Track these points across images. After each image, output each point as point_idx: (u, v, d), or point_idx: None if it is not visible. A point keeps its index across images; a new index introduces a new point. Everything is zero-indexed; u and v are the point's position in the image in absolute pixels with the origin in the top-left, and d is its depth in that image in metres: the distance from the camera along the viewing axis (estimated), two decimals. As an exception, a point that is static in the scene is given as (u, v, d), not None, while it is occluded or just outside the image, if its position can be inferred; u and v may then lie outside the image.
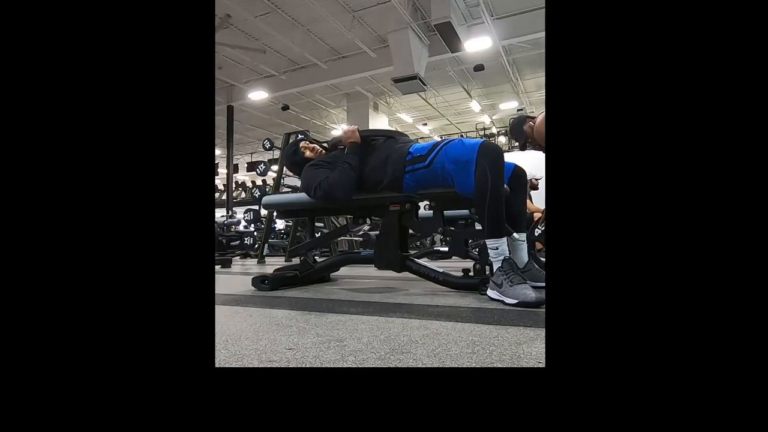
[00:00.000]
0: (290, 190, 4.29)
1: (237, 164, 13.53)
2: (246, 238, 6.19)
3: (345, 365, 0.64)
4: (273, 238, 6.23)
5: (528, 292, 1.16)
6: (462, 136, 6.60)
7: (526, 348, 0.71)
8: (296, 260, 2.63)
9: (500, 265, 1.27)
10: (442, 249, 2.97)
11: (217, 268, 3.78)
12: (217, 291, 1.74)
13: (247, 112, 11.91)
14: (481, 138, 6.74)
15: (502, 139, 11.94)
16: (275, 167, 6.40)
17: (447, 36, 7.00)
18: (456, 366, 0.63)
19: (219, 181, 16.25)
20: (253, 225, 6.52)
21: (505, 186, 1.48)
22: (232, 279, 2.49)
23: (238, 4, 6.94)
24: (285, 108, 10.73)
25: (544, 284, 1.51)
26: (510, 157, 1.52)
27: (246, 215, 6.57)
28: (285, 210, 1.98)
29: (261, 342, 0.80)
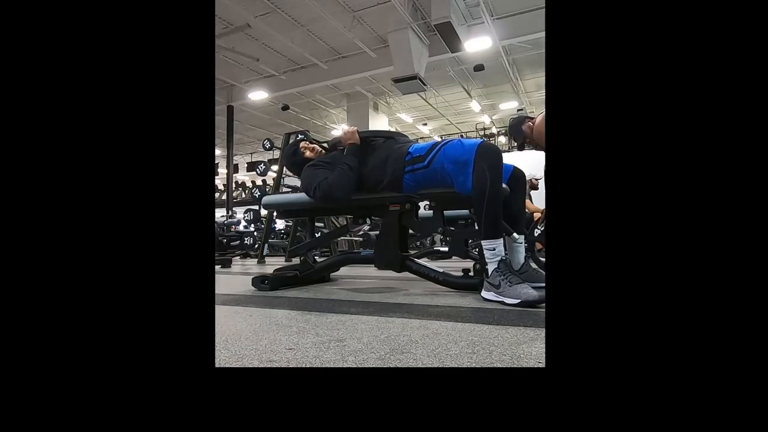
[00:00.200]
0: (290, 190, 4.29)
1: (237, 164, 13.53)
2: (246, 238, 6.19)
3: (345, 365, 0.64)
4: (273, 238, 6.23)
5: (529, 291, 1.16)
6: (462, 136, 6.61)
7: (526, 348, 0.71)
8: (296, 260, 2.63)
9: (496, 266, 1.27)
10: (442, 249, 2.97)
11: (217, 268, 3.78)
12: (217, 291, 1.74)
13: (247, 112, 11.91)
14: (481, 138, 6.75)
15: (502, 139, 11.95)
16: (275, 167, 6.41)
17: (447, 36, 7.00)
18: (456, 366, 0.63)
19: (219, 181, 16.25)
20: (253, 225, 6.52)
21: (505, 186, 1.48)
22: (232, 279, 2.49)
23: (238, 4, 6.94)
24: (285, 108, 10.72)
25: (541, 285, 1.51)
26: (509, 158, 1.52)
27: (246, 215, 6.57)
28: (285, 210, 1.98)
29: (261, 342, 0.80)
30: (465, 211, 2.20)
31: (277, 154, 8.72)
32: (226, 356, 0.71)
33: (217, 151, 13.65)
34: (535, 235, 2.11)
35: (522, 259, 1.64)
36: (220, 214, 8.14)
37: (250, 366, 0.65)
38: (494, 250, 1.29)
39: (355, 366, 0.64)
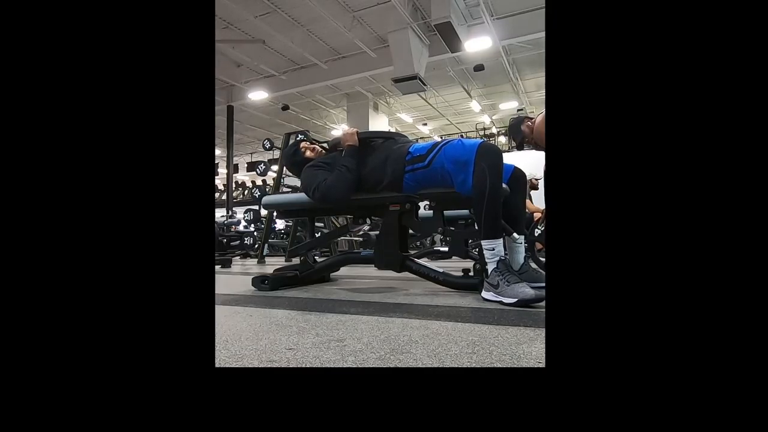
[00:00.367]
0: (290, 190, 4.29)
1: (237, 164, 13.53)
2: (246, 238, 6.19)
3: (345, 365, 0.64)
4: (273, 238, 6.23)
5: (526, 290, 1.16)
6: (462, 136, 6.62)
7: (526, 348, 0.71)
8: (296, 260, 2.63)
9: (495, 266, 1.27)
10: (442, 249, 2.97)
11: (217, 268, 3.78)
12: (217, 291, 1.74)
13: (247, 112, 11.91)
14: (481, 138, 6.75)
15: (502, 139, 11.94)
16: (275, 167, 6.41)
17: (447, 36, 7.00)
18: (456, 366, 0.63)
19: (219, 181, 16.25)
20: (253, 225, 6.52)
21: (505, 186, 1.48)
22: (232, 279, 2.49)
23: (238, 4, 6.94)
24: (285, 108, 10.73)
25: (541, 285, 1.51)
26: (510, 158, 1.52)
27: (246, 215, 6.57)
28: (285, 210, 1.98)
29: (261, 342, 0.80)
30: (465, 211, 2.20)
31: (277, 154, 8.73)
32: (226, 356, 0.71)
33: (217, 151, 13.65)
34: (536, 234, 2.11)
35: (522, 259, 1.64)
36: (220, 214, 8.13)
37: (250, 366, 0.65)
38: (494, 250, 1.29)
39: (355, 366, 0.64)
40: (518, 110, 12.14)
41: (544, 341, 0.75)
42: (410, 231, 1.83)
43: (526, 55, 9.10)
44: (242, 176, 15.16)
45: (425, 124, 14.36)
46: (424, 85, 7.96)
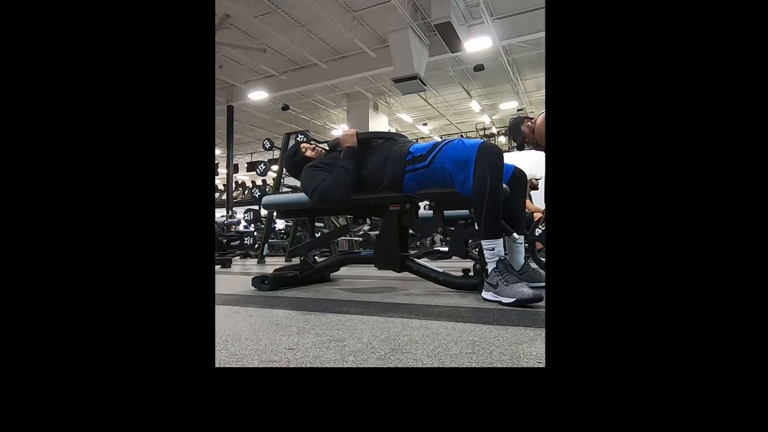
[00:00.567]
0: (290, 190, 4.29)
1: (237, 164, 13.53)
2: (246, 238, 6.19)
3: (345, 365, 0.64)
4: (273, 238, 6.23)
5: (524, 290, 1.16)
6: (462, 136, 6.61)
7: (526, 348, 0.71)
8: (296, 260, 2.63)
9: (495, 266, 1.27)
10: (442, 249, 2.97)
11: (217, 268, 3.78)
12: (217, 291, 1.74)
13: (247, 112, 11.91)
14: (481, 138, 6.75)
15: (502, 139, 11.94)
16: (275, 167, 6.41)
17: (447, 36, 7.00)
18: (456, 366, 0.63)
19: (219, 181, 16.25)
20: (253, 225, 6.52)
21: (505, 186, 1.48)
22: (232, 279, 2.49)
23: (238, 4, 6.94)
24: (285, 108, 10.72)
25: (541, 285, 1.51)
26: (510, 158, 1.52)
27: (246, 215, 6.57)
28: (285, 210, 1.98)
29: (261, 342, 0.80)
30: (465, 211, 2.20)
31: (277, 154, 8.73)
32: (226, 356, 0.71)
33: (217, 151, 13.65)
34: (536, 234, 2.11)
35: (522, 260, 1.64)
36: (220, 214, 8.13)
37: (250, 366, 0.65)
38: (493, 250, 1.29)
39: (355, 366, 0.64)
40: (518, 110, 12.15)
41: (544, 341, 0.75)
42: (410, 231, 1.83)
43: (526, 55, 9.10)
44: (242, 176, 15.16)
45: (425, 124, 14.36)
46: (424, 85, 7.96)
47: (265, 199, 1.99)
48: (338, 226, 4.30)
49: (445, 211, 1.64)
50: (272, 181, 6.47)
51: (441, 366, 0.63)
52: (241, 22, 7.66)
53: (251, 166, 11.77)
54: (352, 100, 11.74)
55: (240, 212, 7.40)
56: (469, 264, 1.66)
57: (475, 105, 11.92)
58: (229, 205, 10.24)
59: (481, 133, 12.40)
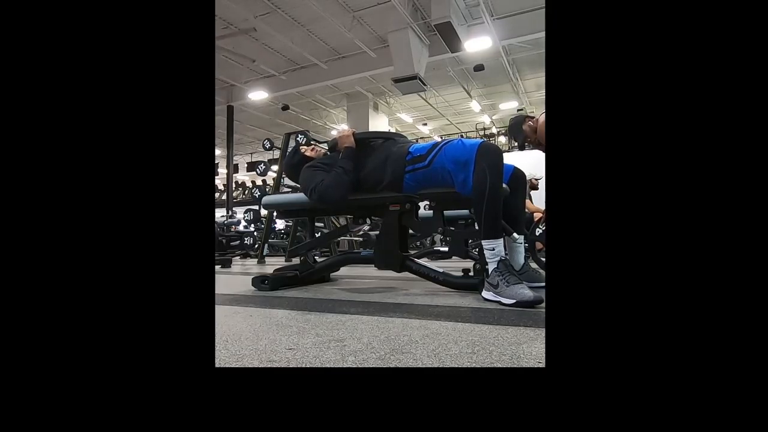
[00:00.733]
0: (290, 190, 4.29)
1: (237, 164, 13.53)
2: (246, 238, 6.19)
3: (345, 365, 0.64)
4: (273, 238, 6.23)
5: (525, 291, 1.16)
6: (462, 136, 6.62)
7: (526, 348, 0.71)
8: (296, 260, 2.63)
9: (495, 266, 1.27)
10: (442, 249, 2.97)
11: (217, 268, 3.78)
12: (217, 291, 1.74)
13: (247, 112, 11.91)
14: (481, 138, 6.75)
15: (502, 139, 11.94)
16: (275, 167, 6.41)
17: (447, 36, 7.00)
18: (456, 366, 0.63)
19: (219, 181, 16.25)
20: (253, 225, 6.52)
21: (505, 186, 1.48)
22: (232, 279, 2.49)
23: (238, 4, 6.94)
24: (285, 108, 10.73)
25: (541, 285, 1.51)
26: (510, 158, 1.52)
27: (246, 215, 6.57)
28: (285, 210, 1.97)
29: (261, 342, 0.80)
30: (465, 211, 2.20)
31: (277, 154, 8.73)
32: (226, 356, 0.71)
33: (217, 151, 13.65)
34: (537, 234, 2.10)
35: (522, 260, 1.64)
36: (220, 214, 8.13)
37: (250, 366, 0.65)
38: (494, 250, 1.29)
39: (355, 366, 0.64)
40: (518, 110, 12.15)
41: (544, 341, 0.75)
42: (410, 231, 1.83)
43: (526, 55, 9.10)
44: (242, 176, 15.16)
45: (425, 124, 14.36)
46: (424, 85, 7.96)
47: (265, 199, 1.99)
48: (338, 226, 4.30)
49: (445, 211, 1.64)
50: (272, 181, 6.46)
51: (441, 366, 0.63)
52: (242, 22, 7.65)
53: (251, 166, 11.76)
54: (352, 100, 11.75)
55: (240, 212, 7.40)
56: (469, 264, 1.67)
57: (475, 105, 11.92)
58: (229, 205, 10.24)
59: (481, 133, 12.40)
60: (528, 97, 11.93)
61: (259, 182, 11.86)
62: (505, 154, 1.42)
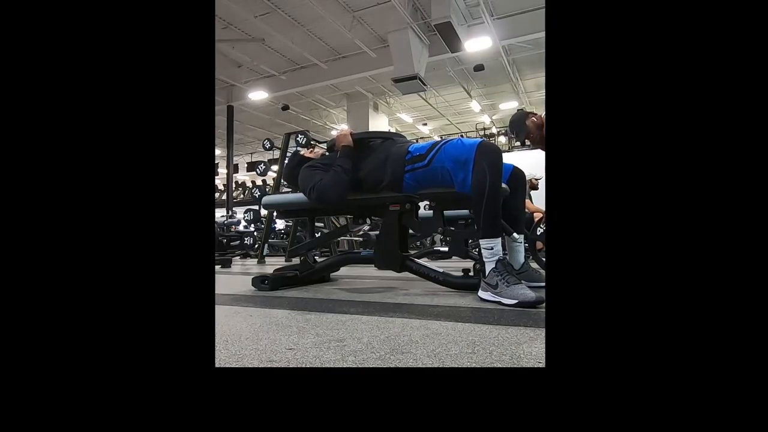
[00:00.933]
0: (290, 190, 4.29)
1: (237, 164, 13.53)
2: (246, 238, 6.19)
3: (345, 365, 0.64)
4: (273, 238, 6.23)
5: (526, 292, 1.16)
6: (462, 136, 6.61)
7: (526, 348, 0.71)
8: (296, 260, 2.63)
9: (494, 266, 1.26)
10: (442, 249, 2.97)
11: (217, 268, 3.78)
12: (217, 291, 1.74)
13: (247, 112, 11.91)
14: (481, 138, 6.75)
15: (502, 139, 11.94)
16: (275, 167, 6.41)
17: (447, 36, 7.00)
18: (456, 366, 0.63)
19: (219, 181, 16.25)
20: (253, 225, 6.52)
21: (505, 186, 1.48)
22: (232, 279, 2.49)
23: (238, 4, 6.94)
24: (285, 108, 10.73)
25: (540, 284, 1.51)
26: (510, 158, 1.52)
27: (246, 215, 6.57)
28: (285, 210, 1.97)
29: (261, 342, 0.80)
30: (465, 211, 2.20)
31: (277, 154, 8.74)
32: (226, 356, 0.71)
33: (217, 151, 13.65)
34: (538, 234, 2.09)
35: (522, 259, 1.64)
36: (220, 214, 8.13)
37: (250, 366, 0.65)
38: (492, 249, 1.28)
39: (355, 366, 0.64)
40: (518, 110, 12.13)
41: (544, 341, 0.75)
42: (410, 231, 1.83)
43: (526, 55, 9.10)
44: (242, 176, 15.16)
45: (425, 124, 14.37)
46: (424, 85, 7.96)
47: (265, 199, 1.99)
48: (338, 226, 4.30)
49: (445, 211, 1.64)
50: (272, 181, 6.46)
51: (441, 366, 0.63)
52: (242, 22, 7.66)
53: (251, 166, 11.76)
54: (352, 100, 11.75)
55: (240, 212, 7.40)
56: (469, 264, 1.67)
57: (475, 105, 11.92)
58: (229, 205, 10.24)
59: (481, 133, 12.40)
60: (528, 97, 11.93)
61: (259, 182, 11.86)
62: (505, 154, 1.42)
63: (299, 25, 7.91)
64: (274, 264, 3.66)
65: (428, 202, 1.66)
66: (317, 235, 2.30)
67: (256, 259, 4.67)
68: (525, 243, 1.72)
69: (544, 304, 1.14)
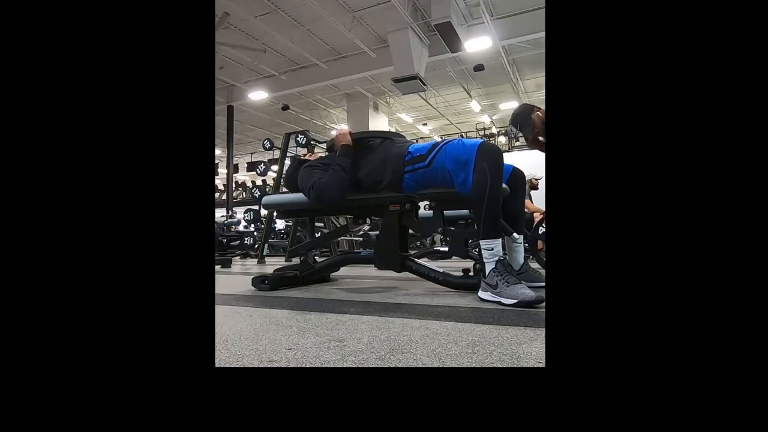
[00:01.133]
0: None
1: (237, 164, 13.53)
2: (246, 238, 6.19)
3: (345, 365, 0.64)
4: (273, 238, 6.23)
5: (526, 291, 1.16)
6: (462, 136, 6.62)
7: (526, 348, 0.71)
8: (296, 260, 2.63)
9: (494, 266, 1.26)
10: (442, 249, 2.97)
11: (217, 268, 3.78)
12: (217, 291, 1.74)
13: (247, 112, 11.91)
14: (481, 138, 6.75)
15: (502, 139, 11.94)
16: (275, 167, 6.41)
17: (447, 36, 7.00)
18: (456, 366, 0.63)
19: (219, 181, 16.25)
20: (253, 225, 6.52)
21: (505, 186, 1.48)
22: (232, 279, 2.49)
23: (238, 4, 6.95)
24: (285, 108, 10.73)
25: (540, 285, 1.51)
26: (510, 158, 1.51)
27: (246, 215, 6.57)
28: (285, 210, 1.97)
29: (261, 342, 0.80)
30: (465, 211, 2.20)
31: (277, 154, 8.74)
32: (226, 356, 0.71)
33: (217, 151, 13.66)
34: (540, 233, 2.08)
35: (522, 259, 1.64)
36: (220, 214, 8.13)
37: (250, 366, 0.65)
38: (492, 249, 1.28)
39: (355, 366, 0.64)
40: (523, 103, 12.11)
41: (544, 341, 0.75)
42: (410, 231, 1.83)
43: (526, 55, 9.10)
44: (242, 176, 15.17)
45: (425, 124, 14.37)
46: (424, 85, 7.96)
47: (265, 199, 1.99)
48: (338, 226, 4.30)
49: (445, 211, 1.64)
50: (272, 181, 6.45)
51: (441, 366, 0.63)
52: (241, 22, 7.66)
53: (251, 166, 11.76)
54: (352, 100, 11.75)
55: (240, 212, 7.40)
56: (469, 264, 1.67)
57: (475, 105, 11.92)
58: (229, 205, 10.25)
59: (481, 133, 12.40)
60: (528, 97, 11.92)
61: (259, 182, 11.86)
62: (505, 154, 1.42)
63: (299, 25, 7.91)
64: (274, 264, 3.66)
65: (428, 202, 1.66)
66: (317, 235, 2.30)
67: (256, 259, 4.67)
68: (525, 243, 1.72)
69: (543, 304, 1.14)
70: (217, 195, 14.06)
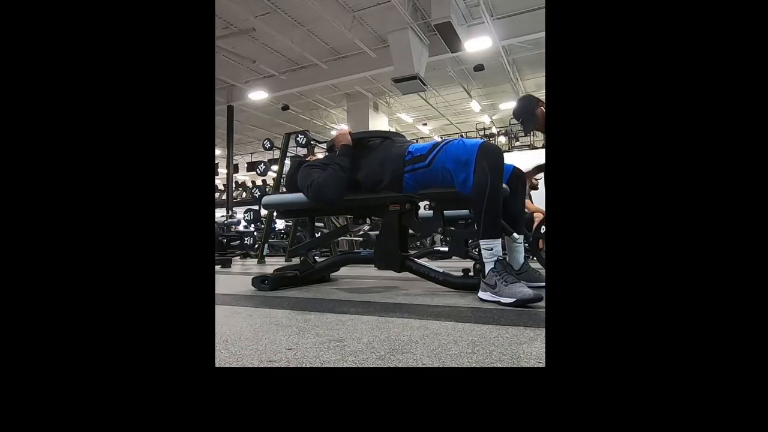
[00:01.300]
0: (290, 190, 4.28)
1: (237, 164, 13.53)
2: (246, 238, 6.19)
3: (345, 365, 0.64)
4: (273, 238, 6.23)
5: (524, 290, 1.16)
6: (462, 136, 6.62)
7: (526, 348, 0.71)
8: (296, 260, 2.63)
9: (493, 266, 1.26)
10: (442, 249, 2.97)
11: (217, 268, 3.78)
12: (217, 291, 1.74)
13: (247, 112, 11.91)
14: (481, 138, 6.75)
15: (502, 139, 11.94)
16: (275, 167, 6.41)
17: (447, 36, 7.00)
18: (456, 366, 0.63)
19: (219, 181, 16.25)
20: (253, 225, 6.52)
21: (505, 186, 1.48)
22: (232, 279, 2.49)
23: (238, 4, 6.94)
24: (285, 108, 10.73)
25: (540, 285, 1.51)
26: (510, 158, 1.51)
27: (246, 215, 6.57)
28: (285, 210, 1.97)
29: (261, 342, 0.80)
30: (465, 211, 2.20)
31: (277, 154, 8.74)
32: (226, 356, 0.71)
33: (217, 151, 13.65)
34: (541, 232, 2.08)
35: (522, 259, 1.64)
36: (220, 214, 8.13)
37: (250, 366, 0.65)
38: (492, 249, 1.28)
39: (355, 366, 0.64)
40: (526, 94, 12.11)
41: (544, 341, 0.75)
42: (410, 231, 1.83)
43: (526, 55, 9.10)
44: (242, 176, 15.16)
45: (425, 124, 14.36)
46: (424, 85, 7.95)
47: (265, 199, 1.99)
48: (338, 226, 4.30)
49: (445, 211, 1.65)
50: (272, 181, 6.45)
51: (441, 366, 0.63)
52: (242, 22, 7.65)
53: (251, 166, 11.76)
54: (352, 100, 11.74)
55: (240, 212, 7.40)
56: (469, 264, 1.67)
57: (475, 105, 11.92)
58: (229, 205, 10.24)
59: (481, 133, 12.40)
60: (528, 97, 11.91)
61: (259, 182, 11.86)
62: (505, 154, 1.42)
63: (299, 25, 7.90)
64: (274, 264, 3.66)
65: (428, 202, 1.66)
66: (317, 235, 2.30)
67: (256, 259, 4.67)
68: (525, 243, 1.72)
69: (542, 303, 1.14)
70: (217, 195, 14.06)
